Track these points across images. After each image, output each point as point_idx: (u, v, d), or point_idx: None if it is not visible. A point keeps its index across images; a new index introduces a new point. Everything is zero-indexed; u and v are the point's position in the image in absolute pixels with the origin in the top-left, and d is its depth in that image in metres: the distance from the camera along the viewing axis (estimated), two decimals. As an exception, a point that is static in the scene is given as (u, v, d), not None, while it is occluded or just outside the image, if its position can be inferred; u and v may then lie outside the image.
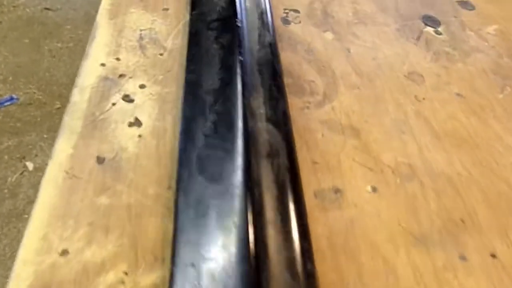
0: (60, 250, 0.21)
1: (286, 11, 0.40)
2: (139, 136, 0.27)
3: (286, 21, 0.39)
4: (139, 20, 0.36)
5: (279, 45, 0.35)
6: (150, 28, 0.35)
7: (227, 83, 0.25)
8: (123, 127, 0.27)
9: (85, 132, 0.26)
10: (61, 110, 1.63)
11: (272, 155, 0.22)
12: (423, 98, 0.33)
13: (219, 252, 0.19)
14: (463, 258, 0.24)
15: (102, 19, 0.35)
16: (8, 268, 1.20)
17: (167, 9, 0.37)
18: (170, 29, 0.35)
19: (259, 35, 0.29)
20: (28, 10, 2.13)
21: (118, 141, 0.26)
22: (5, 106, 1.68)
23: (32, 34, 1.97)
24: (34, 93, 1.73)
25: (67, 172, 0.24)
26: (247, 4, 0.31)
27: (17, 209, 1.36)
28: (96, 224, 0.22)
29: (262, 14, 0.31)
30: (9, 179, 1.42)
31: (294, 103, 0.31)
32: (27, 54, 1.89)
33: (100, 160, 0.25)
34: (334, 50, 0.36)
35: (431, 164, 0.28)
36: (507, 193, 0.27)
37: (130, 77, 0.30)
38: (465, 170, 0.28)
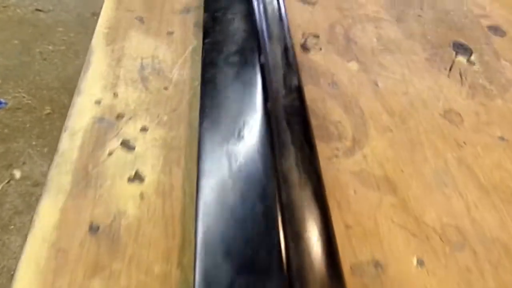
0: None
1: (305, 36, 0.36)
2: (141, 195, 0.22)
3: (305, 48, 0.35)
4: (140, 46, 0.31)
5: (299, 77, 0.31)
6: (152, 56, 0.31)
7: (254, 139, 0.20)
8: (122, 184, 0.23)
9: (76, 191, 0.22)
10: (51, 116, 1.57)
11: (309, 233, 0.18)
12: (464, 143, 0.29)
13: None
14: None
15: (97, 45, 0.30)
16: (-8, 283, 1.14)
17: (172, 33, 0.33)
18: (175, 57, 0.31)
19: (284, 76, 0.24)
20: (19, 10, 2.06)
21: (115, 202, 0.22)
22: (-8, 111, 1.61)
23: (22, 36, 1.91)
24: (24, 97, 1.67)
25: (52, 246, 0.20)
26: (270, 35, 0.27)
27: (3, 220, 1.29)
28: (88, 319, 0.18)
29: (286, 50, 0.26)
30: (-5, 188, 1.36)
31: (321, 151, 0.26)
32: (17, 56, 1.83)
33: (93, 229, 0.21)
34: (361, 84, 0.32)
35: (482, 227, 0.24)
36: None
37: (130, 118, 0.26)
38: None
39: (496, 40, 0.40)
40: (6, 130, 1.57)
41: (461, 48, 0.38)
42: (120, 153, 0.24)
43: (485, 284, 0.22)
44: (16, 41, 1.89)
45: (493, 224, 0.25)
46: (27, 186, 1.40)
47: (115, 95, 0.27)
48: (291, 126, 0.22)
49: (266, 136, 0.20)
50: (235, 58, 0.25)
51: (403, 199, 0.25)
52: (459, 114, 0.31)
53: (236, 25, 0.27)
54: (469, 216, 0.25)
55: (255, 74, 0.23)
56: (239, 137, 0.21)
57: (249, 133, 0.21)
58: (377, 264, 0.22)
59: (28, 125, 1.57)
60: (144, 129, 0.26)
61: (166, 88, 0.28)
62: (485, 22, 0.42)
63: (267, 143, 0.20)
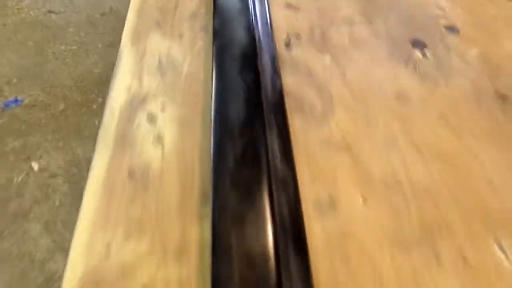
0: (102, 251, 0.26)
1: (289, 36, 0.45)
2: (162, 153, 0.31)
3: (288, 46, 0.43)
4: (158, 46, 0.40)
5: (282, 70, 0.39)
6: (168, 54, 0.39)
7: (252, 120, 0.29)
8: (148, 145, 0.32)
9: (117, 149, 0.31)
10: (65, 112, 1.67)
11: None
12: (410, 118, 0.38)
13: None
14: (438, 259, 0.28)
15: (125, 45, 0.39)
16: (15, 266, 1.24)
17: (182, 35, 0.42)
18: (185, 55, 0.40)
19: (272, 79, 0.33)
20: (31, 13, 2.16)
21: (144, 158, 0.31)
22: (10, 108, 1.71)
23: (36, 37, 2.01)
24: (39, 95, 1.77)
25: (103, 186, 0.29)
26: (262, 46, 0.35)
27: (23, 209, 1.39)
28: (131, 229, 0.27)
29: (273, 58, 0.35)
30: (15, 179, 1.46)
31: (298, 123, 0.35)
32: (31, 56, 1.93)
33: (130, 174, 0.30)
34: (332, 74, 0.41)
35: (415, 178, 0.33)
36: (478, 204, 0.32)
37: (153, 99, 0.35)
38: (443, 184, 0.33)
39: (450, 37, 0.48)
40: (23, 126, 1.67)
41: (419, 45, 0.46)
42: (146, 124, 0.33)
43: (409, 215, 0.30)
44: (30, 42, 2.00)
45: (423, 176, 0.33)
46: (45, 178, 1.49)
47: (141, 83, 0.36)
48: (276, 116, 0.31)
49: (261, 117, 0.29)
50: (239, 61, 0.33)
51: (358, 159, 0.34)
52: (409, 97, 0.40)
53: (240, 35, 0.36)
54: (406, 170, 0.33)
55: (255, 76, 0.32)
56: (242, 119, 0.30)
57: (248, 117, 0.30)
58: (332, 201, 0.31)
59: (43, 121, 1.67)
60: (163, 107, 0.34)
61: (178, 78, 0.37)
62: (443, 22, 0.50)
63: (261, 121, 0.29)
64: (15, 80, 1.83)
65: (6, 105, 1.71)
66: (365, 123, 0.37)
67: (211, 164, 0.28)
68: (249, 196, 0.26)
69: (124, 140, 0.32)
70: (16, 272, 1.23)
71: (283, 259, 0.24)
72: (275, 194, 0.27)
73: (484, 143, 0.36)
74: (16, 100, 1.77)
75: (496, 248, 0.29)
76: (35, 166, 1.55)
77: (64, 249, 1.34)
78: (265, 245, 0.24)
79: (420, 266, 0.28)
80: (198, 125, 0.34)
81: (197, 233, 0.27)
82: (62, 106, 1.73)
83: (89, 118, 1.63)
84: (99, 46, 1.92)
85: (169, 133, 0.33)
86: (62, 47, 1.98)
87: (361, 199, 0.31)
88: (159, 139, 0.32)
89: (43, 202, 1.46)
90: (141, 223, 0.27)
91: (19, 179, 1.48)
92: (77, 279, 0.24)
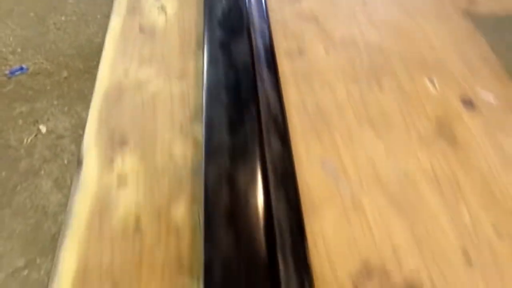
0: (122, 73, 0.34)
1: None
2: (166, 18, 0.39)
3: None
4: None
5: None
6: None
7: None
8: (154, 13, 0.40)
9: (129, 14, 0.39)
10: (69, 79, 1.74)
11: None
12: (369, 3, 0.45)
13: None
14: (380, 87, 0.36)
15: None
16: (29, 217, 1.33)
17: None
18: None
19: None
20: (31, -15, 2.20)
21: (152, 21, 0.39)
22: (16, 75, 1.78)
23: (37, 9, 2.06)
24: (42, 63, 1.83)
25: (119, 37, 0.37)
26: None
27: (34, 167, 1.47)
28: (143, 61, 0.35)
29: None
30: (25, 140, 1.54)
31: (273, 2, 0.43)
32: (33, 27, 1.98)
33: (141, 29, 0.38)
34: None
35: (369, 40, 0.41)
36: (420, 59, 0.40)
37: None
38: (393, 46, 0.41)
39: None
40: (30, 92, 1.74)
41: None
42: (152, 0, 0.41)
43: (361, 61, 0.38)
44: (31, 14, 2.05)
45: (376, 39, 0.41)
46: (53, 139, 1.57)
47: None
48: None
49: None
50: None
51: (322, 26, 0.42)
52: (370, -11, 0.47)
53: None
54: (362, 36, 0.41)
55: None
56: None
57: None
58: (300, 51, 0.39)
59: (48, 88, 1.74)
60: (165, -10, 0.42)
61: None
62: None
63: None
64: (19, 50, 1.89)
65: (12, 73, 1.78)
66: (331, 5, 0.44)
67: (204, 20, 0.36)
68: (233, 33, 0.34)
69: (134, 9, 0.40)
70: (31, 223, 1.33)
71: (258, 73, 0.33)
72: (253, 37, 0.35)
73: (432, 22, 0.44)
74: (21, 68, 1.84)
75: (427, 81, 0.37)
76: (43, 128, 1.62)
77: (74, 203, 1.43)
78: (246, 63, 0.33)
79: (366, 91, 0.36)
80: (194, 4, 0.41)
81: (194, 66, 0.35)
82: (65, 74, 1.79)
83: (92, 84, 1.68)
84: (98, 17, 1.97)
85: (171, 6, 0.41)
86: (63, 18, 2.03)
87: (323, 50, 0.39)
88: (162, 8, 0.40)
89: (52, 161, 1.54)
90: (150, 58, 0.35)
91: (29, 140, 1.56)
92: (103, 91, 0.33)
